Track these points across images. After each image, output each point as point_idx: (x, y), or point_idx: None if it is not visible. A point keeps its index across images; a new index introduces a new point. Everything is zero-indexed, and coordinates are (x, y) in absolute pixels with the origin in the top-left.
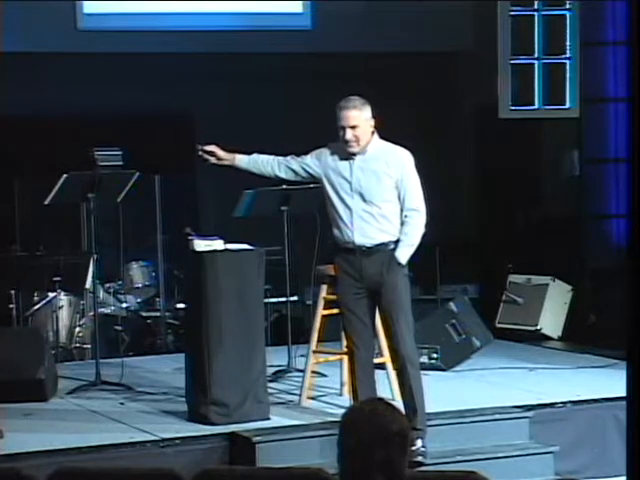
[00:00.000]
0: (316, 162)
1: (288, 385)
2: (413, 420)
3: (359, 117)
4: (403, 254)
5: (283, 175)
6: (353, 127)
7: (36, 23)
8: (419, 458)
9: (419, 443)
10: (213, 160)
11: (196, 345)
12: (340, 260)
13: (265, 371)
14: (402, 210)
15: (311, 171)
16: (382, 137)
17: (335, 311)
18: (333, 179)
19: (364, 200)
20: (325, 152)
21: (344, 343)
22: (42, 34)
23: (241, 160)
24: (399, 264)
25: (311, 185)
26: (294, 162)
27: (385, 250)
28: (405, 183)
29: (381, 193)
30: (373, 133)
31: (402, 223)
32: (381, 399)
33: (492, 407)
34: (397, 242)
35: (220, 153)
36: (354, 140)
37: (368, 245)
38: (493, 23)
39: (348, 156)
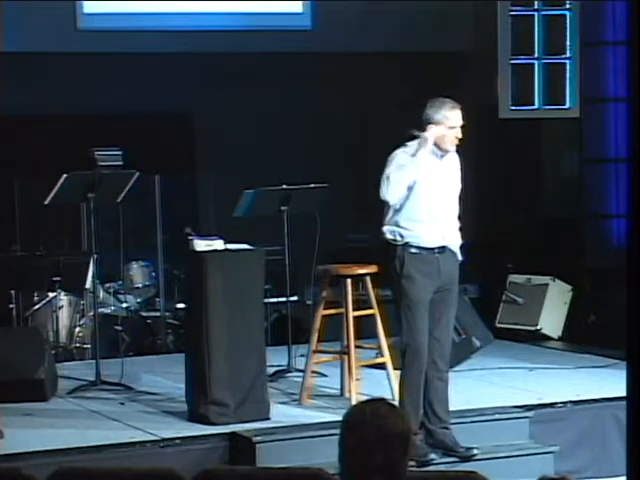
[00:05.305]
0: None
1: (288, 385)
2: (431, 418)
3: None
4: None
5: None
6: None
7: (36, 23)
8: (432, 455)
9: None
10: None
11: (196, 345)
12: (414, 260)
13: (265, 371)
14: None
15: None
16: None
17: (335, 311)
18: (419, 180)
19: (447, 200)
20: (405, 157)
21: (344, 343)
22: (42, 34)
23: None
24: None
25: (311, 185)
26: None
27: (453, 250)
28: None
29: (457, 194)
30: None
31: None
32: (383, 400)
33: (492, 407)
34: None
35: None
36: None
37: (448, 244)
38: (493, 23)
39: (434, 157)
